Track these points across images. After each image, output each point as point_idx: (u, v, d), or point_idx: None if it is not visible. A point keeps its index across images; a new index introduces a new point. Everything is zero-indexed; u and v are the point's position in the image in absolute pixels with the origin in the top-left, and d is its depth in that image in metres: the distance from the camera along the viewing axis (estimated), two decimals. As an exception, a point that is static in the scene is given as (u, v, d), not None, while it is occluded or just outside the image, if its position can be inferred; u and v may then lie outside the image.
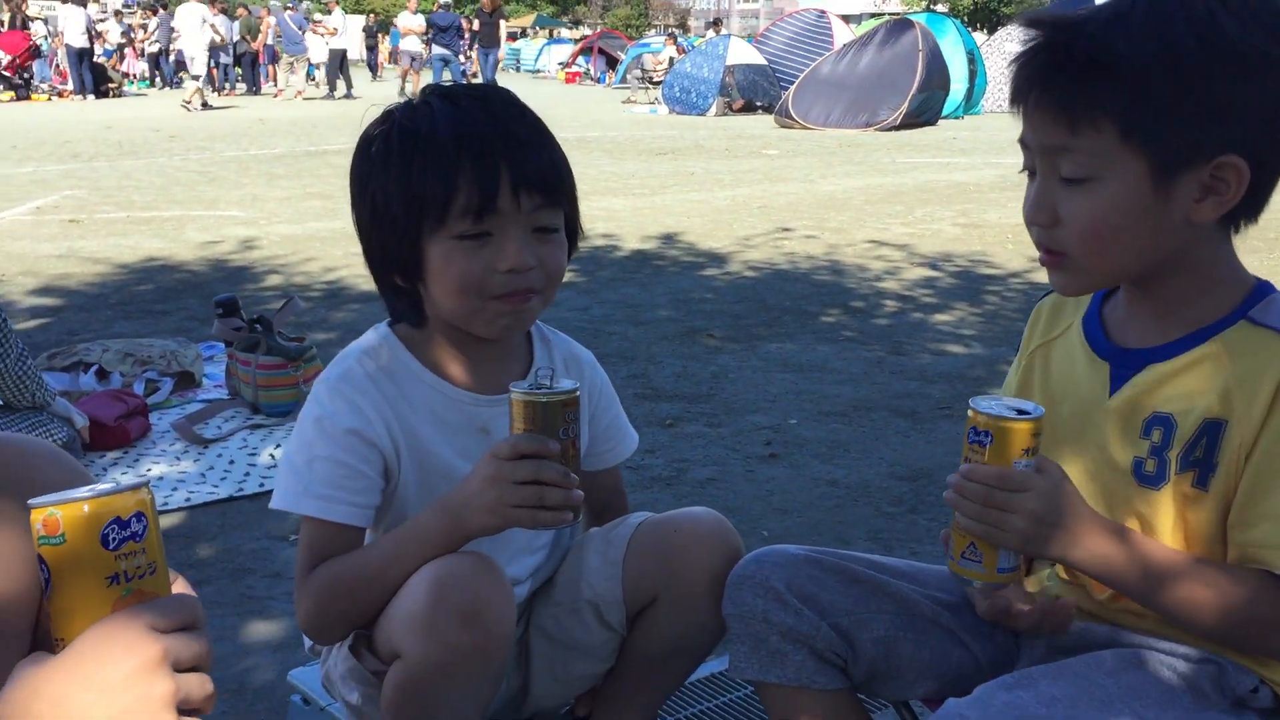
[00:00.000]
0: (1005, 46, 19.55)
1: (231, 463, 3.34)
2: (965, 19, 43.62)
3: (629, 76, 25.36)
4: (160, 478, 3.21)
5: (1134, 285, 1.34)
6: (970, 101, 19.22)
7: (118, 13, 32.21)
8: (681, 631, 1.56)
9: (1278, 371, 1.22)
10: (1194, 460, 1.26)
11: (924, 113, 16.79)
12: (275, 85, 24.05)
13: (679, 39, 26.44)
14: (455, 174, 1.36)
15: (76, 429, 3.17)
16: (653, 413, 3.85)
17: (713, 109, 19.27)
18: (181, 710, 0.83)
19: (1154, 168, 1.21)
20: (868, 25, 22.01)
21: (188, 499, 3.07)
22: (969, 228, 7.76)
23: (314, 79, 25.00)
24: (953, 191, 9.41)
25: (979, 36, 25.86)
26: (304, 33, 23.51)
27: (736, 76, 19.64)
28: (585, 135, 15.02)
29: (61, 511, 0.81)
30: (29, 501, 0.83)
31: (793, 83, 17.84)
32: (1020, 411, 1.23)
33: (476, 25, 20.95)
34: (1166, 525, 1.30)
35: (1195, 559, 1.28)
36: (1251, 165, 1.20)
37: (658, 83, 22.69)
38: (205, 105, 19.01)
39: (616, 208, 8.54)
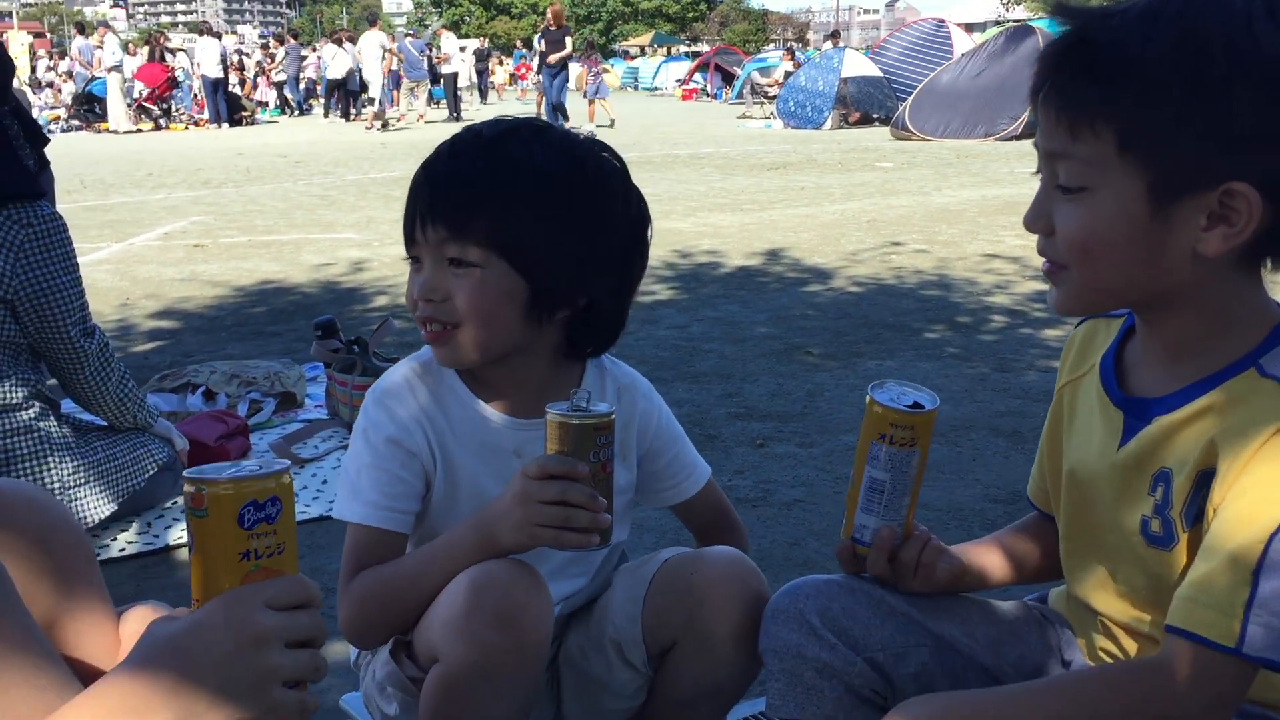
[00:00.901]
0: None
1: (324, 482, 3.41)
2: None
3: (744, 92, 25.30)
4: (256, 497, 3.29)
5: (1144, 322, 1.25)
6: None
7: (264, 45, 33.46)
8: (704, 676, 1.53)
9: (1269, 428, 1.09)
10: (1196, 515, 1.17)
11: (1047, 121, 16.34)
12: (398, 110, 24.69)
13: (796, 53, 26.27)
14: (410, 204, 1.48)
15: (176, 450, 3.27)
16: (744, 432, 3.80)
17: (828, 122, 19.10)
18: (289, 684, 0.92)
19: (1152, 187, 1.11)
20: (991, 33, 21.55)
21: (280, 518, 3.13)
22: (1087, 239, 7.50)
23: (436, 102, 25.59)
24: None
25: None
26: (424, 58, 24.09)
27: (851, 89, 19.43)
28: (698, 151, 15.03)
29: (207, 489, 0.91)
30: (185, 472, 0.94)
31: (910, 94, 17.57)
32: (893, 400, 1.34)
33: (543, 45, 19.85)
34: (1164, 579, 1.22)
35: (1055, 682, 1.26)
36: (1269, 196, 1.08)
37: (772, 97, 22.58)
38: (384, 126, 20.13)
39: (723, 224, 8.51)
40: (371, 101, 21.54)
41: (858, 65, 20.07)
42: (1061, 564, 1.42)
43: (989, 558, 1.53)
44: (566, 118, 18.23)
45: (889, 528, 1.38)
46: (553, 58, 18.76)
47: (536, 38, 21.51)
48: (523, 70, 28.33)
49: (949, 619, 1.42)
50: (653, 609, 1.52)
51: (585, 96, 21.63)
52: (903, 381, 1.39)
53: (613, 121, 21.18)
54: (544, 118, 17.68)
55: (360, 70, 22.79)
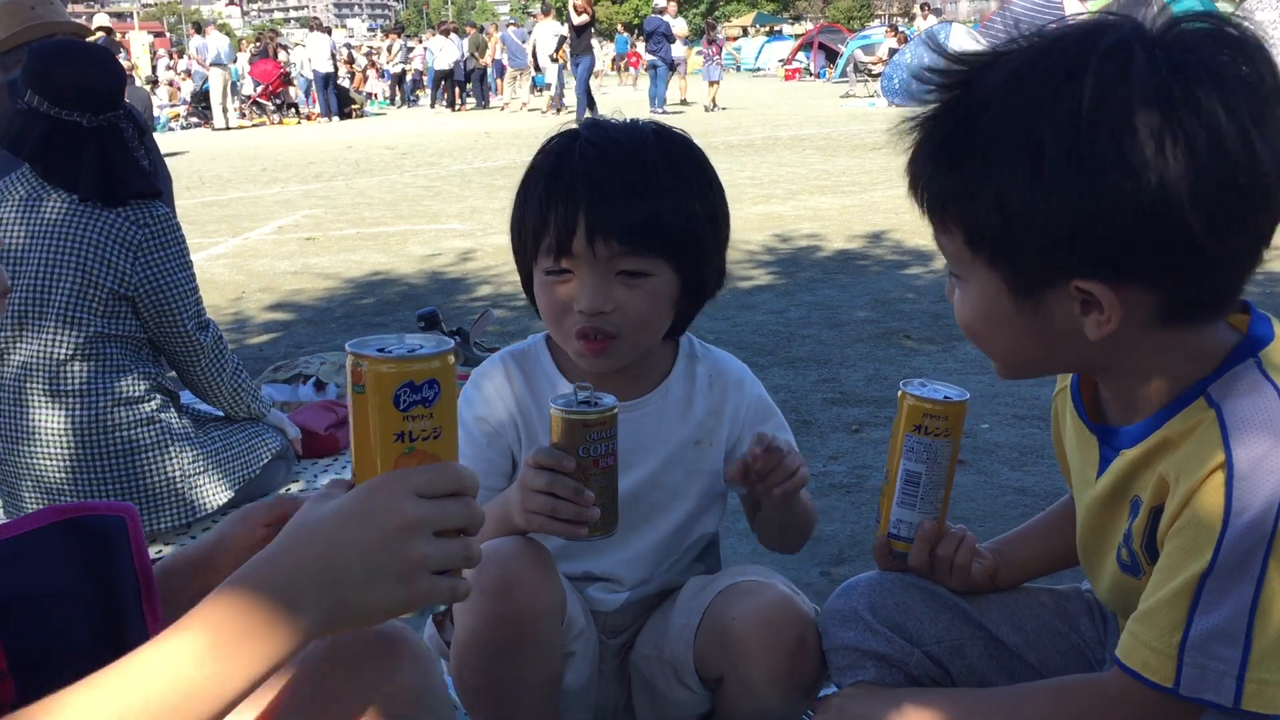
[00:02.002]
0: (1255, 15, 18.20)
1: (429, 469, 3.52)
2: (1214, -13, 40.80)
3: (847, 71, 25.01)
4: (364, 483, 3.41)
5: (1096, 379, 1.24)
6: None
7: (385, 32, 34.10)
8: (751, 713, 1.56)
9: (1209, 464, 1.06)
10: (1154, 550, 1.15)
11: (1162, 91, 15.85)
12: (502, 98, 24.99)
13: (900, 28, 25.89)
14: (546, 214, 1.46)
15: (289, 439, 3.41)
16: (840, 418, 3.81)
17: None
18: (440, 572, 0.90)
19: (1007, 283, 1.10)
20: (1105, 1, 20.93)
21: (386, 504, 3.25)
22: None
23: (539, 89, 25.87)
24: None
25: (1224, 6, 24.18)
26: (526, 46, 24.33)
27: (959, 64, 19.06)
28: (800, 133, 14.93)
29: (366, 365, 0.90)
30: (346, 344, 0.93)
31: (1018, 67, 17.18)
32: (927, 392, 1.40)
33: (566, 31, 19.55)
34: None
35: (1017, 691, 1.27)
36: (1125, 284, 1.04)
37: (876, 75, 22.28)
38: (559, 110, 20.76)
39: (824, 206, 8.46)
40: (548, 86, 22.48)
41: (965, 40, 19.61)
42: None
43: (1028, 548, 1.53)
44: (594, 106, 18.11)
45: (930, 520, 1.41)
46: (559, 52, 19.14)
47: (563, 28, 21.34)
48: (634, 58, 28.08)
49: (999, 613, 1.43)
50: (701, 644, 1.56)
51: (705, 79, 21.63)
52: (933, 379, 1.45)
53: (712, 105, 21.14)
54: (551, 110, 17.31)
55: (516, 58, 23.50)
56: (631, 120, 1.59)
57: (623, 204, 1.45)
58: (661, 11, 22.51)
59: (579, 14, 18.79)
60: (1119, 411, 1.22)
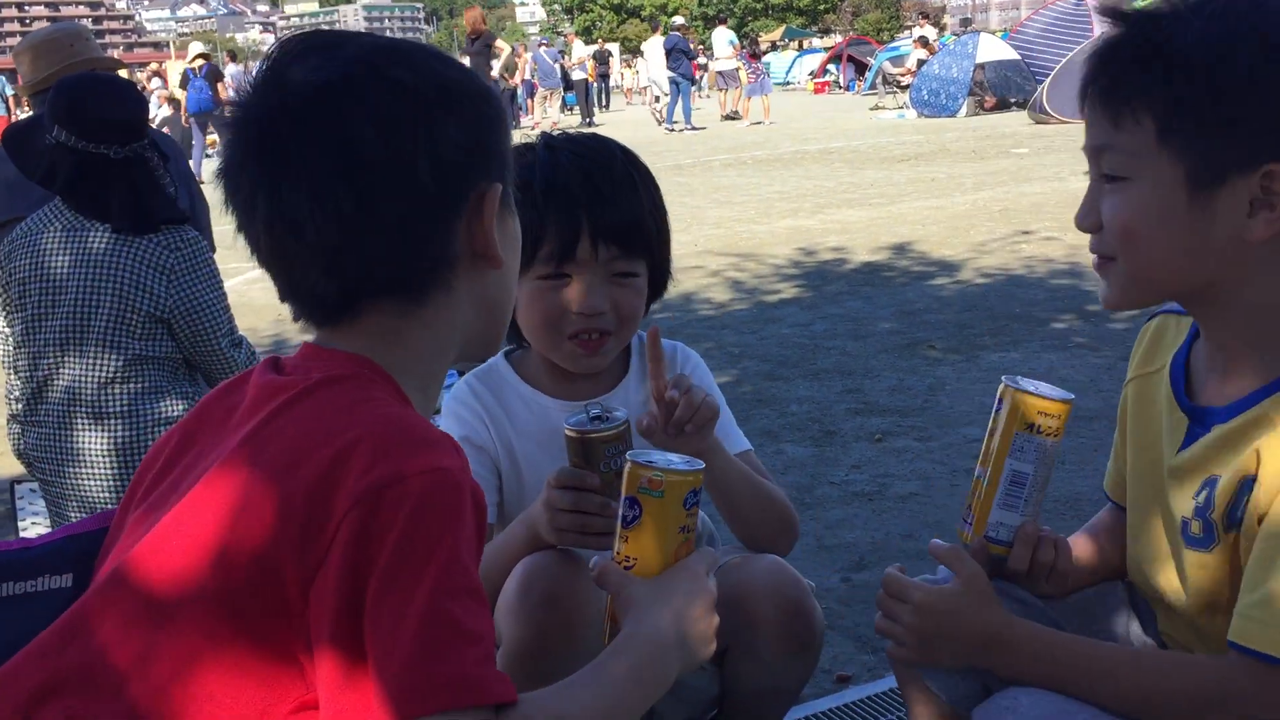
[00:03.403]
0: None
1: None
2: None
3: (876, 83, 25.03)
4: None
5: (1198, 322, 1.29)
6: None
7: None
8: (757, 677, 1.63)
9: None
10: (1237, 520, 1.20)
11: (1194, 97, 15.76)
12: (533, 118, 25.21)
13: (929, 39, 25.88)
14: (543, 224, 1.53)
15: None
16: (863, 427, 3.86)
17: (963, 109, 18.76)
18: None
19: (1190, 174, 1.16)
20: (1139, 4, 20.84)
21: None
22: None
23: (570, 109, 26.05)
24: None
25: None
26: (557, 65, 24.53)
27: (988, 74, 19.03)
28: (829, 146, 14.97)
29: (665, 476, 1.15)
30: (630, 455, 1.18)
31: (1048, 76, 17.13)
32: (1041, 389, 1.33)
33: (467, 61, 18.05)
34: (1218, 588, 1.25)
35: (1136, 654, 1.27)
36: None
37: (905, 87, 22.28)
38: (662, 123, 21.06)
39: (850, 219, 8.50)
40: (658, 99, 22.82)
41: (994, 49, 19.65)
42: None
43: (1085, 553, 1.53)
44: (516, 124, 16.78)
45: (1032, 523, 1.35)
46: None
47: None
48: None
49: None
50: None
51: (747, 95, 21.71)
52: (1027, 377, 1.38)
53: (738, 115, 21.19)
54: None
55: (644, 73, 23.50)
56: (582, 133, 1.69)
57: (616, 207, 1.55)
58: (680, 29, 22.63)
59: (472, 28, 16.33)
60: (1216, 391, 1.27)
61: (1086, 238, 1.29)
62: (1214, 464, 1.24)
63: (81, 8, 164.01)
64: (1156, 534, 1.34)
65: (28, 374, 2.91)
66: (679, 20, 23.27)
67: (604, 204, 1.54)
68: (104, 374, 2.89)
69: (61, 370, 2.90)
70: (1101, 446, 3.53)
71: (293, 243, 1.01)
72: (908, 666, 1.42)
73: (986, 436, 1.37)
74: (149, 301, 2.91)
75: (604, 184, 1.56)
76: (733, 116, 21.74)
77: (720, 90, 22.81)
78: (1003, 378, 1.37)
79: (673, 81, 21.10)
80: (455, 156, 1.03)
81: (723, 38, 22.60)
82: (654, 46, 23.27)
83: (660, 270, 1.63)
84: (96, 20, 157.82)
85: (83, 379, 2.88)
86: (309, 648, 0.92)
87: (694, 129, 19.94)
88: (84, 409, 2.91)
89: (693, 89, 23.11)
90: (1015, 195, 9.13)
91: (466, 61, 17.36)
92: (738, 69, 21.75)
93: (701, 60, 23.26)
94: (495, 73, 15.83)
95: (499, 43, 16.82)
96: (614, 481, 1.38)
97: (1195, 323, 1.34)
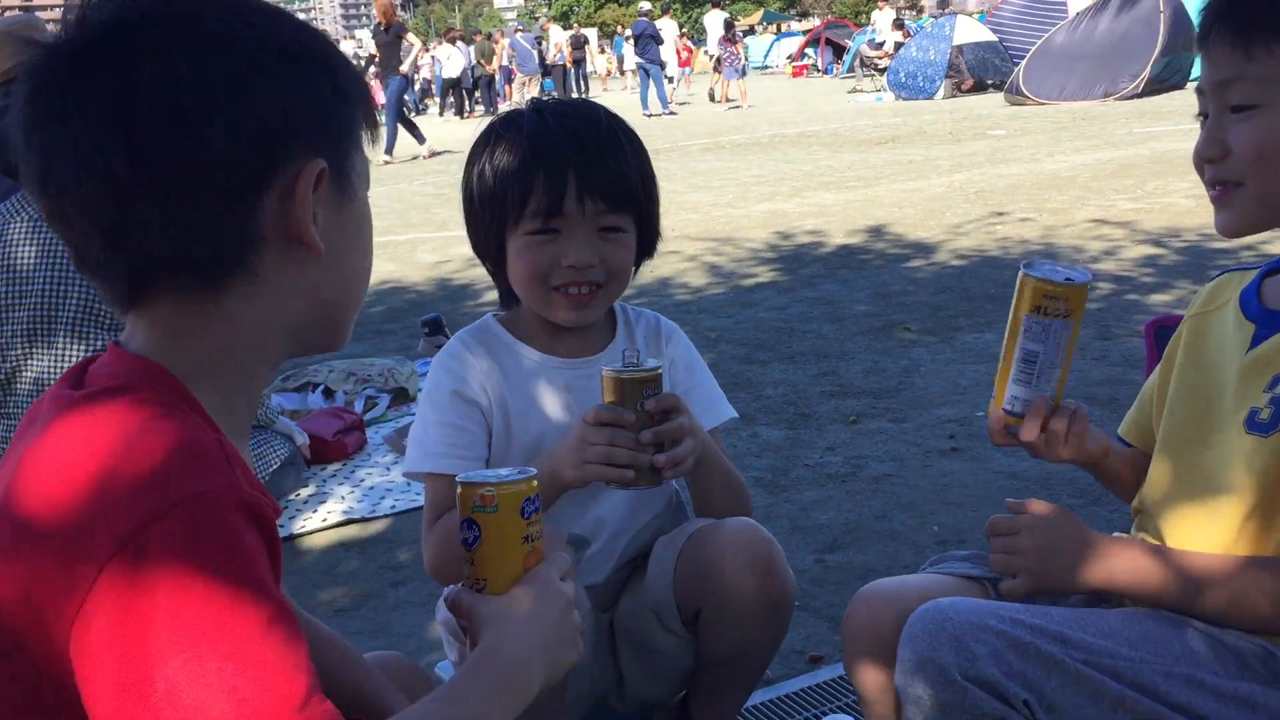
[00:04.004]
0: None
1: (435, 471, 3.59)
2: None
3: (854, 66, 25.03)
4: (371, 487, 3.50)
5: None
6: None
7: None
8: (731, 636, 1.64)
9: None
10: None
11: (1170, 77, 15.81)
12: (511, 104, 25.16)
13: (905, 23, 25.87)
14: (531, 181, 1.56)
15: (297, 445, 3.49)
16: (838, 409, 3.87)
17: (940, 92, 18.78)
18: None
19: None
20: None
21: (393, 506, 3.33)
22: (1204, 199, 7.29)
23: (548, 94, 25.98)
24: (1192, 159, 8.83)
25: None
26: (535, 52, 24.44)
27: (966, 56, 19.06)
28: (806, 130, 14.97)
29: (496, 490, 1.13)
30: (459, 477, 1.14)
31: (1025, 58, 17.17)
32: (1048, 273, 1.39)
33: (376, 51, 15.87)
34: (1273, 476, 1.30)
35: (1236, 559, 1.26)
36: None
37: (883, 70, 22.29)
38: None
39: (827, 202, 8.51)
40: (670, 79, 22.78)
41: (971, 32, 19.67)
42: (1141, 496, 1.49)
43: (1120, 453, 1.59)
44: (420, 137, 15.19)
45: (1041, 397, 1.43)
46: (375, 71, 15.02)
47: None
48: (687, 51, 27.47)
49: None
50: (680, 579, 1.64)
51: (725, 77, 21.73)
52: (1054, 261, 1.46)
53: (743, 102, 21.14)
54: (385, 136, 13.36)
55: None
56: (568, 99, 1.73)
57: (602, 165, 1.58)
58: (647, 14, 22.58)
59: (383, 17, 15.02)
60: None
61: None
62: None
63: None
64: (1203, 443, 1.39)
65: (-5, 366, 2.89)
66: (646, 5, 23.21)
67: (590, 161, 1.57)
68: (72, 365, 2.88)
69: (29, 362, 2.88)
70: (1074, 425, 3.57)
71: (67, 205, 0.90)
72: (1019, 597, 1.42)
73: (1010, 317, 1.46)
74: (117, 292, 2.90)
75: (589, 142, 1.59)
76: (728, 99, 21.75)
77: (717, 73, 22.78)
78: (1021, 263, 1.44)
79: (641, 68, 21.05)
80: (263, 125, 0.91)
81: (717, 20, 22.60)
82: (667, 27, 23.55)
83: (649, 229, 1.67)
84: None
85: (51, 370, 2.86)
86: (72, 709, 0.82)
87: (671, 114, 19.91)
88: (53, 401, 2.89)
89: (685, 73, 23.27)
90: (991, 177, 9.16)
91: (373, 50, 15.39)
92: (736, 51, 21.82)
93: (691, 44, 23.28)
94: (405, 67, 15.25)
95: (410, 36, 16.36)
96: (648, 421, 1.50)
97: (1268, 262, 1.44)
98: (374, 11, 15.56)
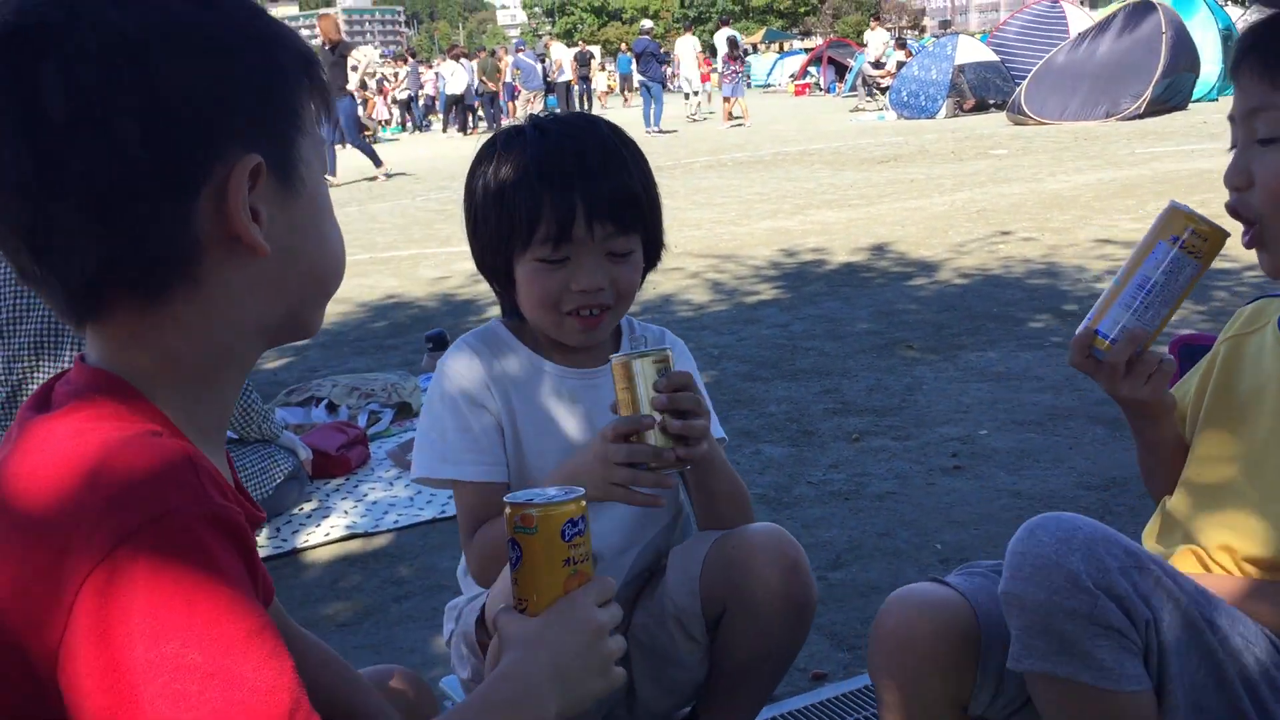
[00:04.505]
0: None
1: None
2: (1224, -8, 40.77)
3: (856, 85, 25.11)
4: (374, 502, 3.50)
5: None
6: (1225, 81, 18.01)
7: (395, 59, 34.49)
8: (754, 640, 1.64)
9: None
10: None
11: (1172, 97, 15.88)
12: (515, 122, 25.21)
13: (908, 42, 25.97)
14: (538, 205, 1.55)
15: (300, 460, 3.49)
16: (840, 427, 3.87)
17: (942, 111, 18.84)
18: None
19: None
20: (1113, 7, 20.99)
21: (396, 521, 3.33)
22: (1205, 219, 7.32)
23: (550, 111, 26.03)
24: (1194, 180, 8.84)
25: (1234, 11, 24.16)
26: (539, 68, 24.52)
27: (967, 75, 19.12)
28: (808, 148, 15.01)
29: (537, 511, 1.11)
30: (506, 498, 1.13)
31: (1026, 77, 17.23)
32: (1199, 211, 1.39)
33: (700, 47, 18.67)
34: None
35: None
36: None
37: (885, 89, 22.36)
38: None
39: (830, 220, 8.53)
40: (696, 93, 23.12)
41: (973, 51, 19.74)
42: (1169, 510, 1.50)
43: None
44: (378, 162, 15.02)
45: (1143, 329, 1.39)
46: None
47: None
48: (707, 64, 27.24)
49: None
50: (706, 584, 1.64)
51: (724, 94, 21.82)
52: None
53: (745, 119, 21.18)
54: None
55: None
56: (570, 113, 1.72)
57: (609, 184, 1.57)
58: (649, 33, 22.69)
59: (328, 37, 14.53)
60: None
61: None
62: None
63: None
64: (1250, 461, 1.41)
65: (2, 378, 2.90)
66: (648, 24, 23.35)
67: (597, 183, 1.56)
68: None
69: (36, 375, 2.88)
70: (1077, 444, 3.57)
71: None
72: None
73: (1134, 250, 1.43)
74: (124, 305, 2.90)
75: (595, 163, 1.57)
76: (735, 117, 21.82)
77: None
78: (1171, 200, 1.42)
79: (643, 85, 21.12)
80: (181, 123, 0.85)
81: (724, 38, 22.73)
82: (685, 45, 23.83)
83: (654, 242, 1.66)
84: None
85: (57, 383, 2.86)
86: None
87: (662, 132, 19.96)
88: (59, 414, 2.90)
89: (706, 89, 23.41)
90: (994, 196, 9.18)
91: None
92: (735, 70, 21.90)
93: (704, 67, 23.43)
94: (352, 85, 14.91)
95: (355, 53, 16.01)
96: (661, 407, 1.45)
97: None
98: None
